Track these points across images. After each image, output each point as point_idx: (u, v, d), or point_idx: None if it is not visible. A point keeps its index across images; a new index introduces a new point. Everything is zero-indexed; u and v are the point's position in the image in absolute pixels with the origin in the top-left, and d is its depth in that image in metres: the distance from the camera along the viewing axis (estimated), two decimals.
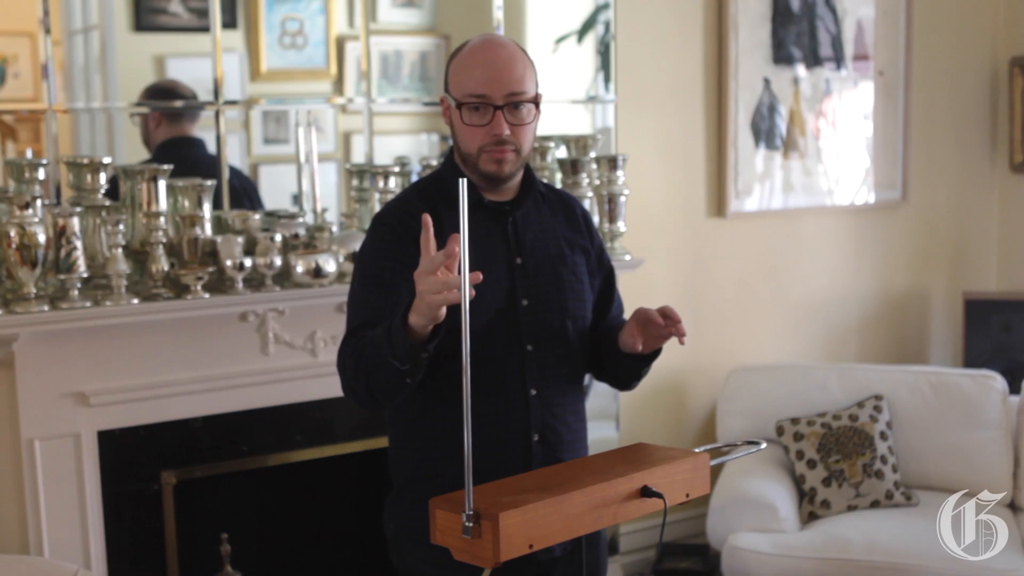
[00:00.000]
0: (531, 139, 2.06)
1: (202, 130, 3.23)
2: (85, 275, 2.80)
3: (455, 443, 1.93)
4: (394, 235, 2.04)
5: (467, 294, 1.57)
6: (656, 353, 2.10)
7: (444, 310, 1.78)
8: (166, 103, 3.18)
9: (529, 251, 2.10)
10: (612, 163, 3.53)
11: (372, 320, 1.97)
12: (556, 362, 2.10)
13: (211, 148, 3.20)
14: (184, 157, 3.08)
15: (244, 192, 3.27)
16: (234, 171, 3.24)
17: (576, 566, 2.05)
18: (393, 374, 1.87)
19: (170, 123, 3.19)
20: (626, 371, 2.18)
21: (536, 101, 2.03)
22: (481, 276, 1.70)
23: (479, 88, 1.98)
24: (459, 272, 1.65)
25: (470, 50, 2.04)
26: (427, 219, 1.79)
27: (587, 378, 2.28)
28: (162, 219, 2.90)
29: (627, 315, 2.29)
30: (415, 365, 1.85)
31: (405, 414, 2.11)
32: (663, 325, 1.98)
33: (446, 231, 2.01)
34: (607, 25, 3.84)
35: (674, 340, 2.02)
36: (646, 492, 1.70)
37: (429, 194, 2.09)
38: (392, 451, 2.18)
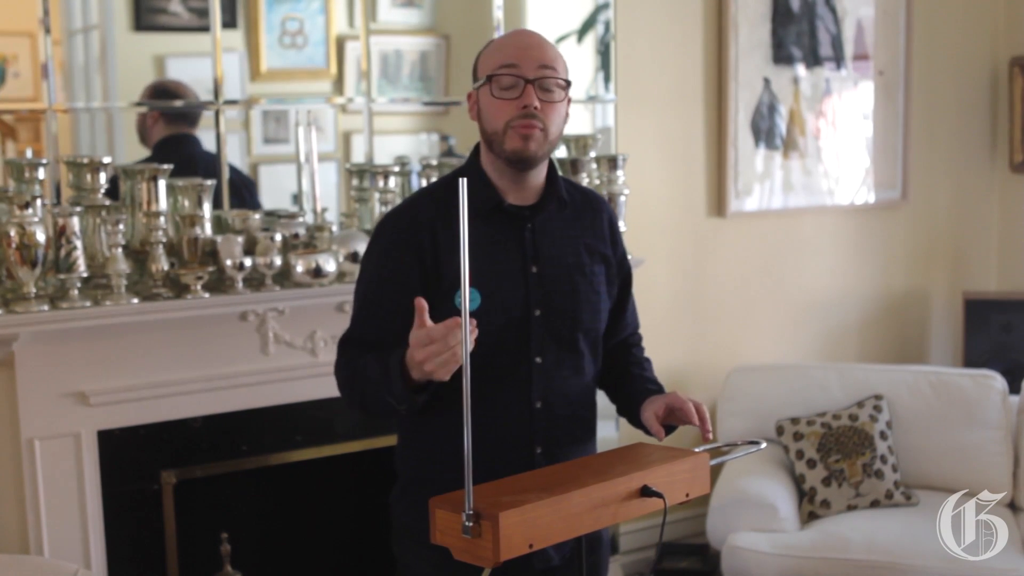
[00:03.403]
0: (560, 124, 2.01)
1: (202, 130, 3.23)
2: (85, 275, 2.80)
3: (455, 449, 1.92)
4: (398, 244, 2.02)
5: (467, 298, 1.57)
6: (672, 429, 2.06)
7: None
8: (165, 103, 3.18)
9: (546, 260, 2.04)
10: (612, 163, 3.54)
11: (364, 339, 1.99)
12: (565, 375, 2.06)
13: (210, 147, 3.20)
14: (181, 154, 3.08)
15: (243, 185, 3.27)
16: (232, 168, 3.24)
17: (575, 573, 2.04)
18: (389, 406, 1.90)
19: (167, 121, 3.20)
20: (633, 423, 2.14)
21: (566, 85, 2.00)
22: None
23: (510, 58, 1.97)
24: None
25: (502, 35, 2.05)
26: (421, 304, 1.76)
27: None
28: (162, 219, 2.90)
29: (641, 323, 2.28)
30: (411, 404, 1.87)
31: (412, 415, 2.11)
32: (694, 423, 1.96)
33: (456, 234, 1.99)
34: (607, 25, 3.84)
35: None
36: (646, 492, 1.70)
37: (438, 196, 2.05)
38: (398, 447, 2.17)
